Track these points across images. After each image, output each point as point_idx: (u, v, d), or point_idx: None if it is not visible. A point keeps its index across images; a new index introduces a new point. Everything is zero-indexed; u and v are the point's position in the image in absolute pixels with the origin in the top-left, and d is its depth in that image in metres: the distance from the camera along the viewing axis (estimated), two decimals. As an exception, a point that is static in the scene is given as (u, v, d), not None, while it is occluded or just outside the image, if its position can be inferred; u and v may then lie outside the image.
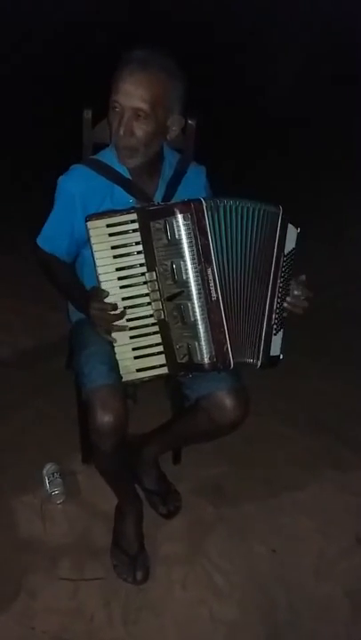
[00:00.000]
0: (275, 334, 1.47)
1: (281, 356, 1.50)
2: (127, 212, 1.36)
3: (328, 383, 2.43)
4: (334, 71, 5.21)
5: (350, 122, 4.55)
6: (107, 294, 1.37)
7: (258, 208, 1.40)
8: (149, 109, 1.35)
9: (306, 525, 1.86)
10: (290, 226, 1.48)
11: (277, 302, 1.46)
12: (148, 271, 1.36)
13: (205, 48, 5.42)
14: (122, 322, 1.38)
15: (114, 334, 1.39)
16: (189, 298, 1.32)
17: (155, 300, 1.37)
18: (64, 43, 5.54)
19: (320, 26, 5.80)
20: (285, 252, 1.47)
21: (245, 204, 1.39)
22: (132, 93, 1.33)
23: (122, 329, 1.38)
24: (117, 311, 1.36)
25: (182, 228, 1.30)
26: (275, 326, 1.47)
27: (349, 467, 2.08)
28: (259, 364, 1.44)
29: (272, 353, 1.46)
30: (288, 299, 1.49)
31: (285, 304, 1.49)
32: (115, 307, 1.36)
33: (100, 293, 1.37)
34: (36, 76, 5.00)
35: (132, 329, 1.39)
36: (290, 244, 1.49)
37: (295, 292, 1.50)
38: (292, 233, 1.50)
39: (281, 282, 1.46)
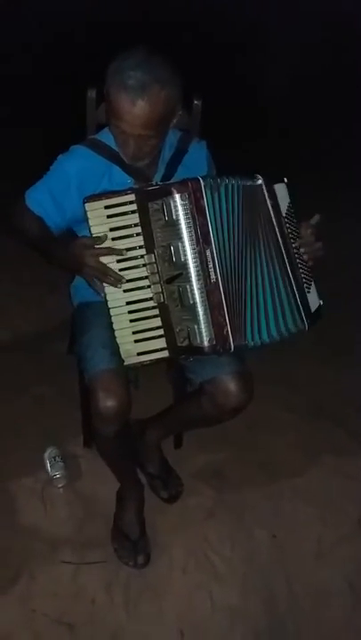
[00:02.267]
0: (308, 292, 1.46)
1: (321, 302, 1.50)
2: (125, 192, 1.33)
3: (329, 369, 2.41)
4: (334, 70, 5.18)
5: (348, 120, 4.54)
6: (101, 242, 1.32)
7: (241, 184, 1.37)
8: (155, 131, 1.33)
9: (306, 511, 1.86)
10: (276, 185, 1.42)
11: (298, 260, 1.44)
12: (147, 253, 1.34)
13: (205, 48, 5.36)
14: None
15: (106, 289, 1.34)
16: (188, 280, 1.30)
17: (154, 283, 1.35)
18: (66, 23, 5.49)
19: (320, 25, 5.76)
20: (283, 213, 1.42)
21: (242, 182, 1.36)
22: (137, 123, 1.29)
23: (119, 278, 1.33)
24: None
25: (180, 209, 1.27)
26: (305, 283, 1.45)
27: (350, 453, 2.07)
28: (306, 327, 1.43)
29: (312, 309, 1.46)
30: (302, 249, 1.45)
31: (305, 255, 1.46)
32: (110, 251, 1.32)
33: (92, 241, 1.32)
34: (38, 57, 4.95)
35: (131, 312, 1.37)
36: (284, 202, 1.43)
37: (305, 240, 1.46)
38: (282, 190, 1.44)
39: (292, 240, 1.43)
